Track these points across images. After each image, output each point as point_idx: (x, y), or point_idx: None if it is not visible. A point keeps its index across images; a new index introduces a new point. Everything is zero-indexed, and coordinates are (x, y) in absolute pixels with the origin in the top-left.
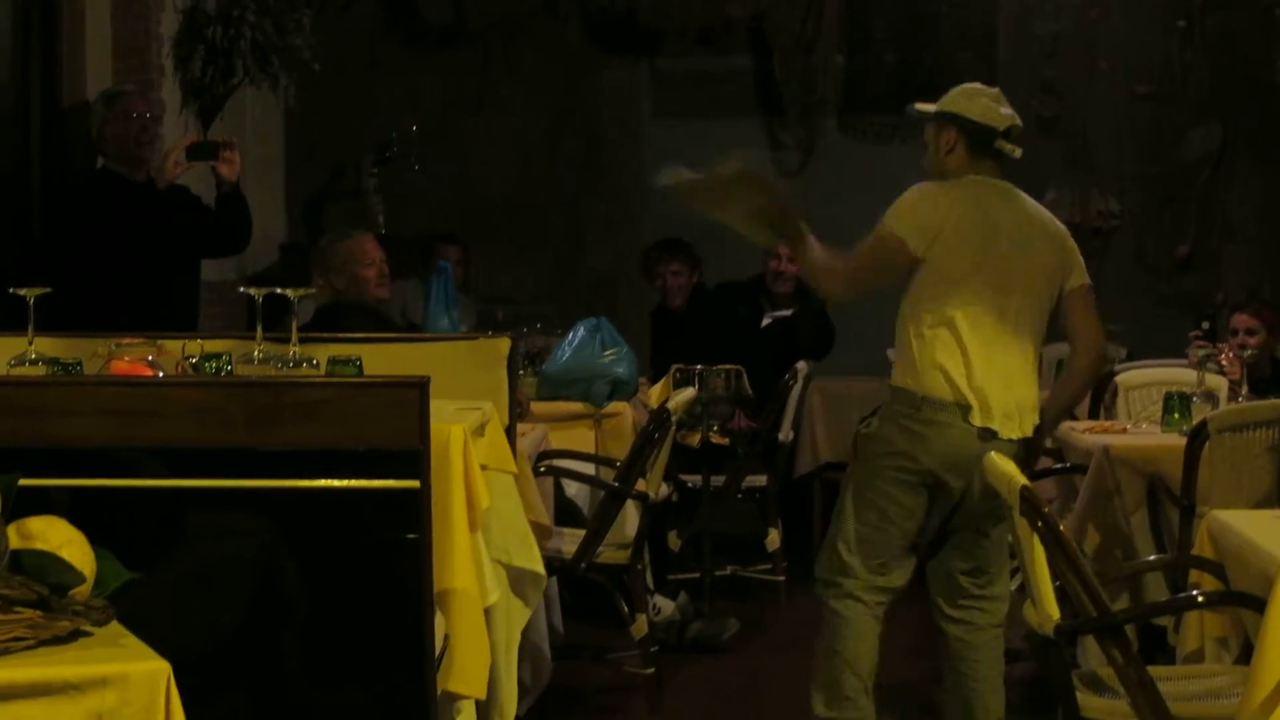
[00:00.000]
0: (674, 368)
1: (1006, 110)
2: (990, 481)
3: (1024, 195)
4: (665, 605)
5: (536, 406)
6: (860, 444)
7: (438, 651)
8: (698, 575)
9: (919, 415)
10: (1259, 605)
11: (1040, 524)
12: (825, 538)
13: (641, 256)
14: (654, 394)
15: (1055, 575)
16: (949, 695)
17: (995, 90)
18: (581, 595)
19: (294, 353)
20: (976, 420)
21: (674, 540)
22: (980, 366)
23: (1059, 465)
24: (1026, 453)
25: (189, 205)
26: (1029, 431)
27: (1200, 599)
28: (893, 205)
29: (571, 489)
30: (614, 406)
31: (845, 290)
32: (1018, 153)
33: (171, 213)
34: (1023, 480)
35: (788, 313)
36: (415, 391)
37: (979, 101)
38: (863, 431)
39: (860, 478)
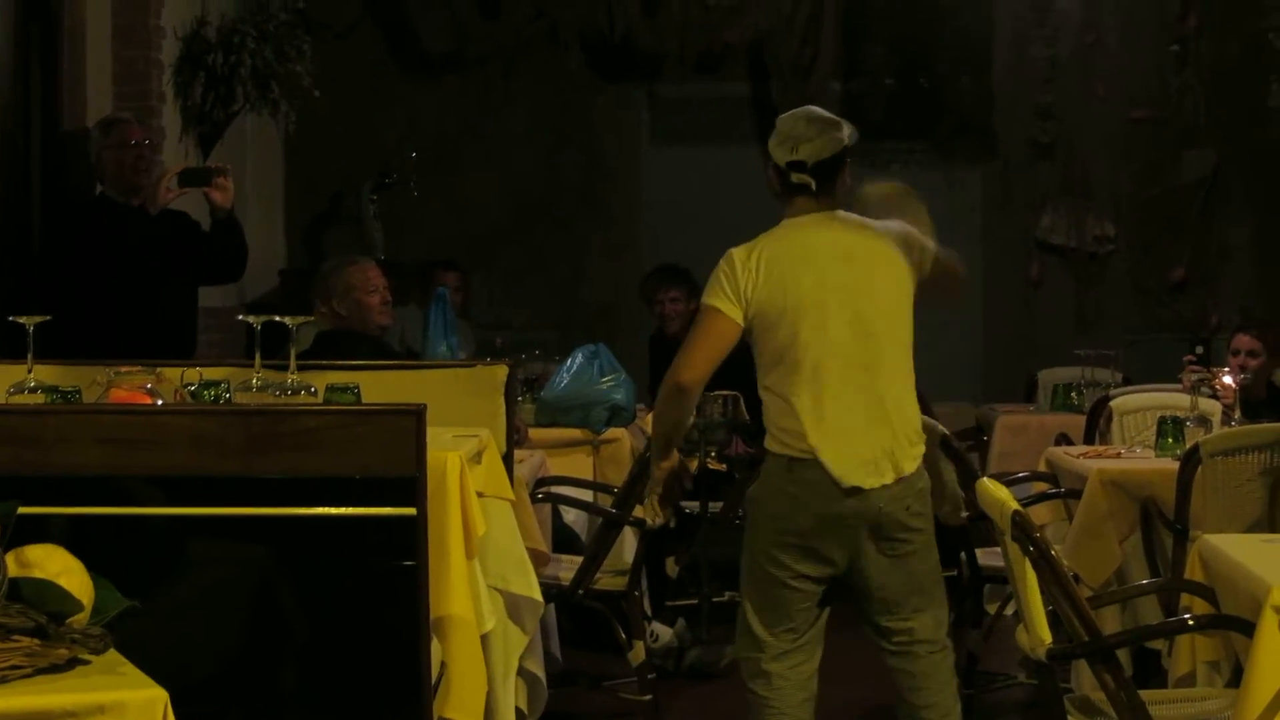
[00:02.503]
0: None
1: (796, 133)
2: (983, 509)
3: (847, 216)
4: (663, 632)
5: (535, 433)
6: (747, 508)
7: (434, 678)
8: (695, 601)
9: (790, 475)
10: (1248, 629)
11: (1032, 549)
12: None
13: (640, 283)
14: (651, 421)
15: (1047, 600)
16: None
17: (802, 112)
18: (579, 622)
19: (292, 380)
20: (842, 479)
21: (672, 567)
22: (830, 415)
23: (1053, 490)
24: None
25: (186, 232)
26: (908, 468)
27: (1190, 623)
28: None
29: (569, 515)
30: (612, 433)
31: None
32: (813, 184)
33: (167, 240)
34: (1015, 505)
35: None
36: (412, 419)
37: (775, 134)
38: (748, 494)
39: (750, 545)
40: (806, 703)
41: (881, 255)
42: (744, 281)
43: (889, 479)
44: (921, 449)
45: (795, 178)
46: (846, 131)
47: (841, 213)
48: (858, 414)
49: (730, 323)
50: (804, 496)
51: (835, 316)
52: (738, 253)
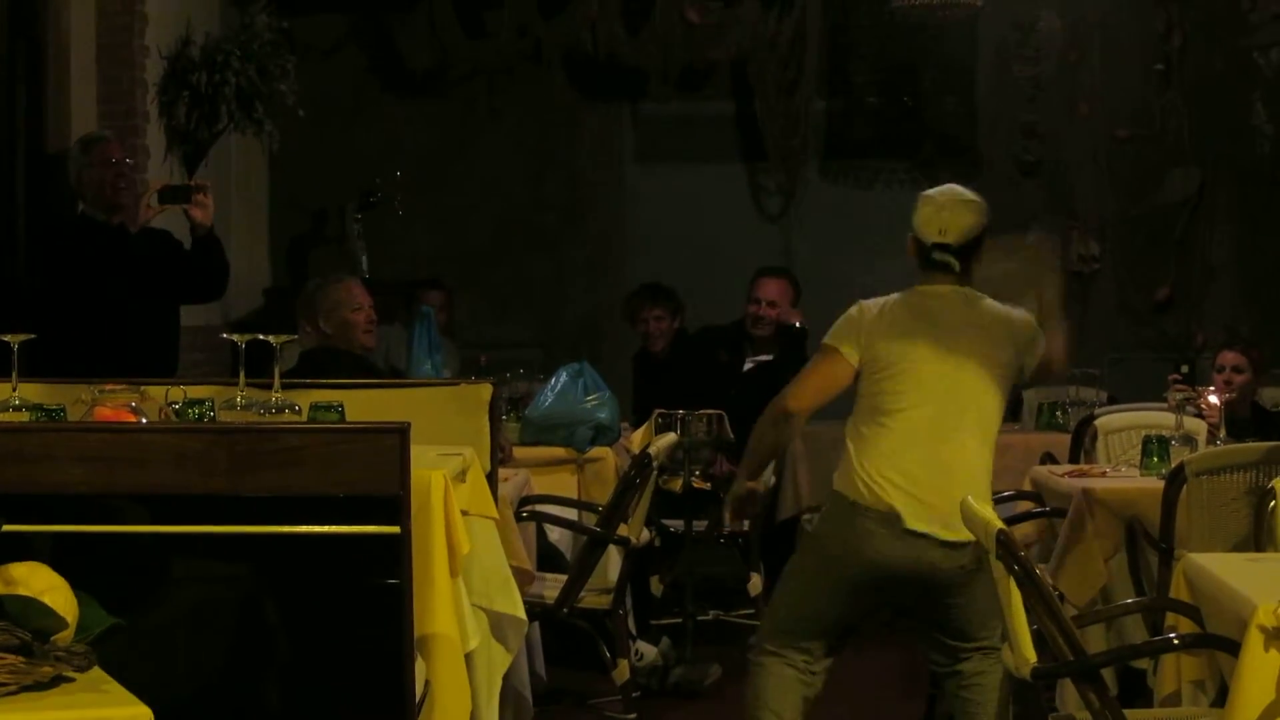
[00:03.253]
0: (656, 412)
1: (943, 216)
2: (970, 530)
3: (982, 300)
4: (647, 650)
5: (519, 451)
6: (803, 539)
7: (418, 697)
8: (680, 620)
9: (853, 522)
10: (1233, 648)
11: (1017, 568)
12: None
13: (624, 301)
14: (636, 439)
15: (1032, 619)
16: None
17: (948, 193)
18: (564, 640)
19: (276, 399)
20: (910, 524)
21: (656, 585)
22: (914, 470)
23: (1038, 509)
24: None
25: (168, 250)
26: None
27: (1175, 642)
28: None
29: (554, 534)
30: (596, 451)
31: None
32: (956, 265)
33: (148, 258)
34: (999, 524)
35: (769, 357)
36: (396, 438)
37: (921, 211)
38: (806, 528)
39: (800, 569)
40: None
41: (993, 347)
42: (868, 329)
43: (958, 538)
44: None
45: (938, 256)
46: (985, 212)
47: (974, 293)
48: (935, 471)
49: (846, 365)
50: (863, 543)
51: (938, 379)
52: (869, 304)
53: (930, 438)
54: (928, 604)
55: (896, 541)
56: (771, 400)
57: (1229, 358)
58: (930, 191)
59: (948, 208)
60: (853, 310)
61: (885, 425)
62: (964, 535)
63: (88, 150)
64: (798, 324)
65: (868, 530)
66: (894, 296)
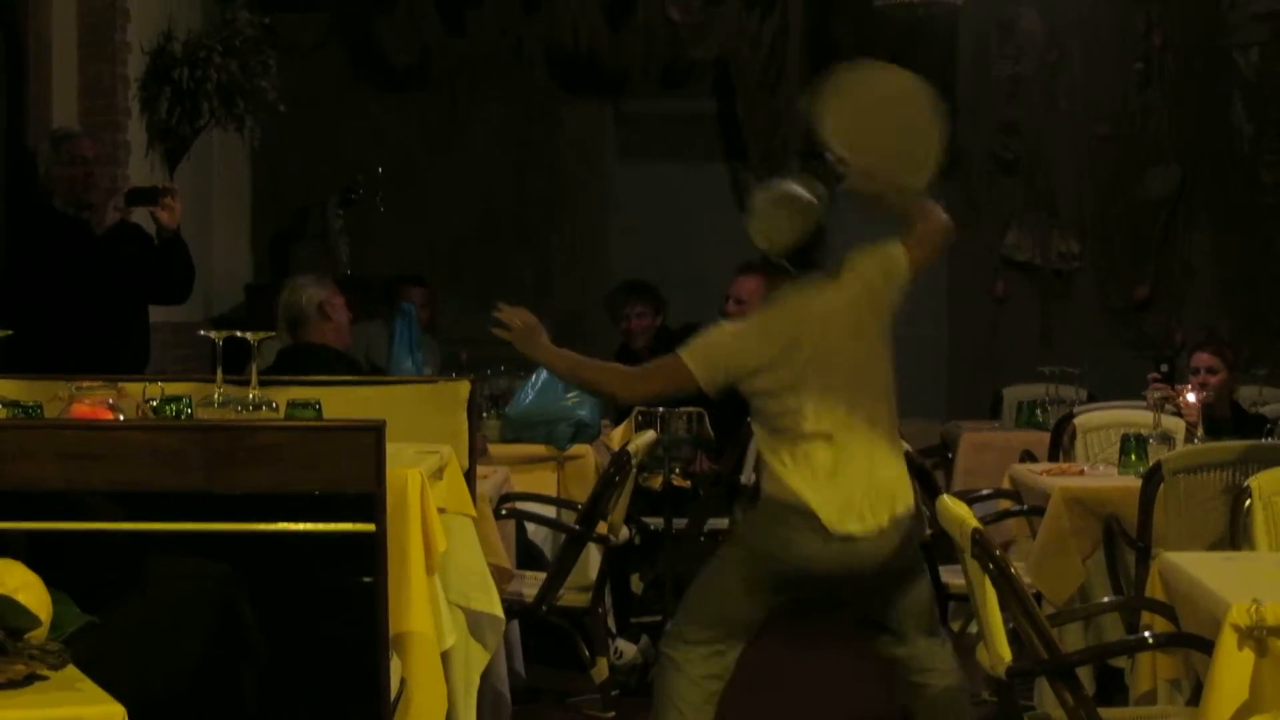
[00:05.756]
0: (635, 410)
1: (763, 227)
2: (943, 527)
3: (824, 284)
4: (627, 649)
5: (499, 449)
6: (728, 538)
7: (394, 695)
8: (660, 618)
9: (778, 526)
10: (1207, 647)
11: (992, 566)
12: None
13: (606, 298)
14: (616, 436)
15: (1008, 618)
16: None
17: (768, 199)
18: (543, 638)
19: (254, 396)
20: (834, 528)
21: (636, 583)
22: (828, 469)
23: (1016, 508)
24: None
25: (136, 249)
26: (900, 510)
27: (1150, 641)
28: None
29: (534, 531)
30: (576, 449)
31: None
32: (791, 270)
33: (116, 256)
34: (974, 523)
35: None
36: (371, 436)
37: (749, 219)
38: (737, 519)
39: (724, 568)
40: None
41: (856, 314)
42: (728, 356)
43: (884, 523)
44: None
45: (775, 262)
46: (819, 208)
47: (819, 282)
48: (847, 466)
49: (691, 380)
50: (791, 541)
51: (821, 375)
52: (730, 330)
53: (835, 435)
54: (854, 600)
55: (822, 544)
56: (621, 372)
57: (1203, 359)
58: (759, 192)
59: (771, 215)
60: (714, 334)
61: (791, 434)
62: (880, 520)
63: (58, 146)
64: None
65: (793, 533)
66: (752, 318)
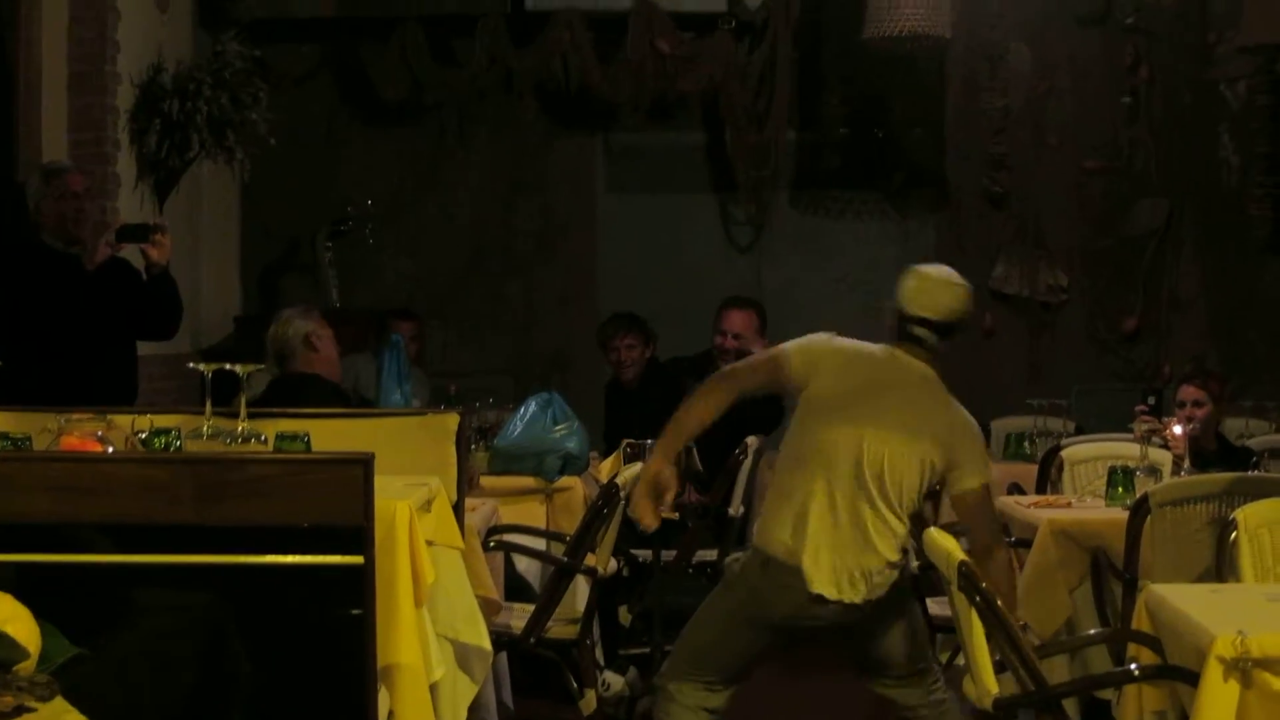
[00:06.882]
0: (624, 442)
1: (932, 300)
2: (930, 559)
3: (941, 389)
4: (615, 681)
5: (487, 481)
6: (726, 578)
7: None
8: (648, 650)
9: (767, 576)
10: (1193, 679)
11: (978, 598)
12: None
13: (596, 330)
14: (605, 468)
15: (994, 649)
16: None
17: (940, 275)
18: (531, 670)
19: (242, 428)
20: (815, 588)
21: (624, 615)
22: (824, 532)
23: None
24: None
25: (126, 282)
26: (876, 594)
27: (1136, 673)
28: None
29: (522, 564)
30: (565, 481)
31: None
32: (933, 340)
33: (105, 290)
34: (961, 556)
35: None
36: (360, 468)
37: (906, 283)
38: (729, 563)
39: (721, 608)
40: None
41: (923, 434)
42: (822, 359)
43: (859, 599)
44: (894, 577)
45: (916, 330)
46: (968, 298)
47: (936, 379)
48: (844, 533)
49: (786, 373)
50: (775, 594)
51: (861, 439)
52: (840, 340)
53: (844, 498)
54: (843, 642)
55: (804, 602)
56: (718, 376)
57: (1189, 392)
58: (921, 267)
59: (937, 285)
60: (821, 336)
61: (805, 478)
62: (855, 598)
63: (48, 181)
64: None
65: (781, 586)
66: (867, 345)
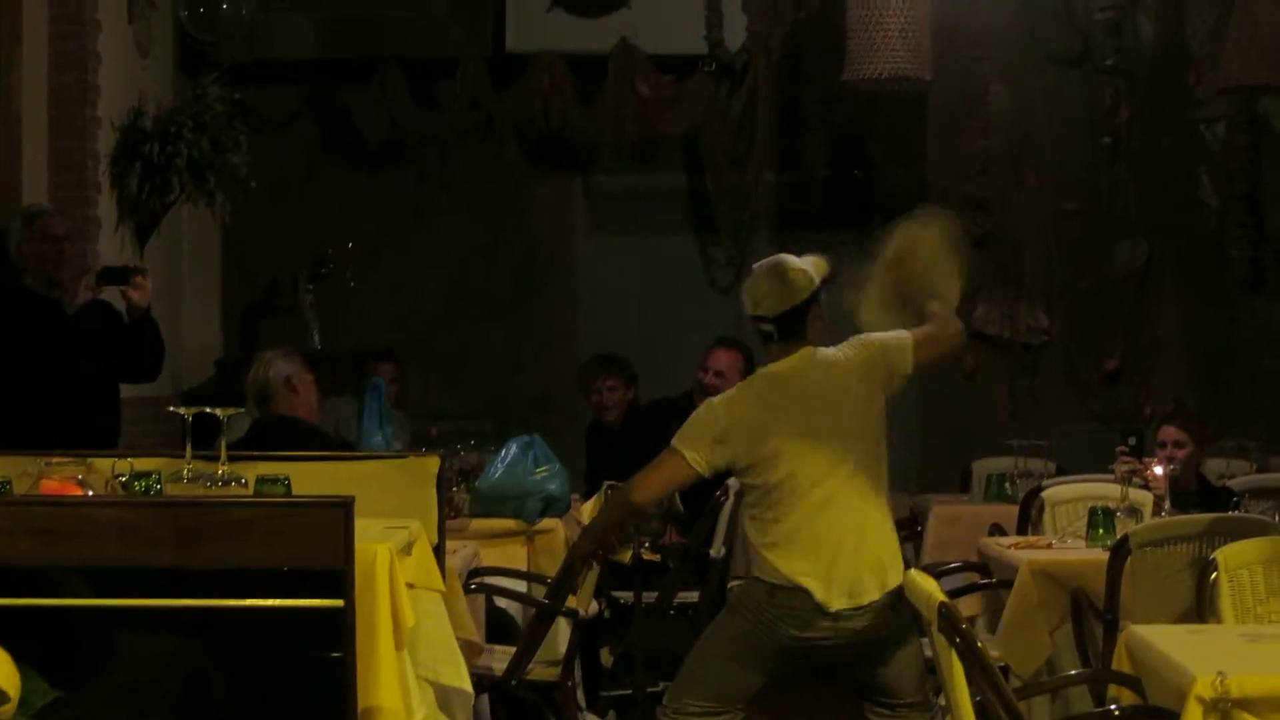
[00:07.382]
0: (606, 484)
1: (753, 298)
2: (910, 602)
3: (819, 354)
4: None
5: (469, 523)
6: (727, 606)
7: None
8: (630, 692)
9: (770, 603)
10: None
11: (958, 640)
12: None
13: (577, 372)
14: (586, 510)
15: (975, 690)
16: None
17: (757, 270)
18: (513, 712)
19: (223, 472)
20: (825, 604)
21: (606, 657)
22: (816, 548)
23: (984, 581)
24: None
25: (105, 327)
26: (891, 583)
27: (1117, 713)
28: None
29: (503, 605)
30: (546, 523)
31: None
32: (776, 334)
33: (87, 332)
34: (941, 597)
35: None
36: (340, 512)
37: (744, 286)
38: (732, 586)
39: (722, 637)
40: None
41: (846, 387)
42: (719, 434)
43: (874, 598)
44: (899, 568)
45: (760, 328)
46: (811, 280)
47: (810, 350)
48: (836, 542)
49: (688, 469)
50: (783, 619)
51: (811, 454)
52: (717, 403)
53: (824, 511)
54: (849, 668)
55: (813, 620)
56: (620, 487)
57: (1169, 433)
58: (755, 267)
59: (760, 281)
60: (701, 412)
61: (779, 511)
62: (872, 595)
63: (29, 224)
64: None
65: (785, 610)
66: (737, 389)
